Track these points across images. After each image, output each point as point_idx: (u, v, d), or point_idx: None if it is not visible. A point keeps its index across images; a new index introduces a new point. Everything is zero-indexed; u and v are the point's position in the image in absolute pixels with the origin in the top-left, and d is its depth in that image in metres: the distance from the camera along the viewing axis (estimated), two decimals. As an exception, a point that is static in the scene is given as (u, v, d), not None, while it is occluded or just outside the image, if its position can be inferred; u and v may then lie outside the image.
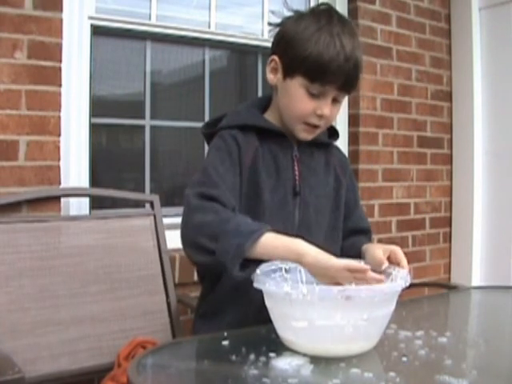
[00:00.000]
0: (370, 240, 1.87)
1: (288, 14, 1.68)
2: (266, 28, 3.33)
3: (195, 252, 1.47)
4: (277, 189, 1.64)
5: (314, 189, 1.71)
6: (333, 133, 1.83)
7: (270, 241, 1.42)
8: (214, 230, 1.44)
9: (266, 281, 1.29)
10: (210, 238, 1.44)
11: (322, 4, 1.70)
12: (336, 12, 1.64)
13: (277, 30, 1.67)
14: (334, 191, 1.78)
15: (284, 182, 1.66)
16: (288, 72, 1.60)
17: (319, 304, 1.22)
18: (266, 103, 1.77)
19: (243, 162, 1.61)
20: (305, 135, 1.66)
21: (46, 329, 2.19)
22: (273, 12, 1.72)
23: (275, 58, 1.64)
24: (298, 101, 1.60)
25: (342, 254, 1.72)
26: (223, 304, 1.62)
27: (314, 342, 1.26)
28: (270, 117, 1.72)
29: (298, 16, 1.64)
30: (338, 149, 1.90)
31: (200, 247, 1.45)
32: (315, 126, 1.63)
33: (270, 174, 1.64)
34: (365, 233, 1.85)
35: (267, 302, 1.32)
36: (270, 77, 1.67)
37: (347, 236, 1.82)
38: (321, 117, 1.61)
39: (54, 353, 2.18)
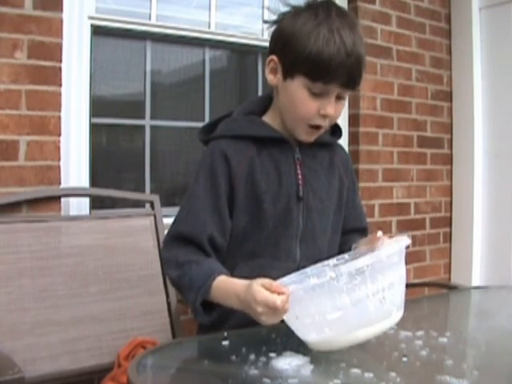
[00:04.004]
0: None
1: (284, 9, 1.61)
2: (266, 27, 3.33)
3: None
4: (279, 196, 1.60)
5: (317, 192, 1.66)
6: (336, 130, 1.76)
7: (219, 290, 1.44)
8: (177, 285, 1.56)
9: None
10: (178, 290, 1.62)
11: None
12: (334, 4, 1.57)
13: (274, 27, 1.61)
14: (337, 192, 1.73)
15: (287, 187, 1.61)
16: (288, 72, 1.54)
17: (346, 286, 1.21)
18: (266, 103, 1.71)
19: (235, 176, 1.57)
20: (307, 137, 1.61)
21: (46, 329, 2.20)
22: (268, 8, 1.67)
23: (274, 58, 1.57)
24: (300, 102, 1.53)
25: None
26: (226, 314, 1.60)
27: (353, 326, 1.24)
28: (271, 119, 1.67)
29: (295, 11, 1.57)
30: (341, 147, 1.85)
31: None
32: (319, 127, 1.58)
33: (270, 181, 1.60)
34: (360, 232, 1.81)
35: (292, 311, 1.26)
36: (270, 77, 1.60)
37: (342, 235, 1.78)
38: (325, 116, 1.55)
39: (53, 353, 2.18)
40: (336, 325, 1.24)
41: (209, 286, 1.44)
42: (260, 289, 1.27)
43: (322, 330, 1.25)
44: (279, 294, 1.23)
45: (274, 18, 1.62)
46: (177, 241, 1.56)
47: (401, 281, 1.29)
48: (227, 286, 1.43)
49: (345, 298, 1.22)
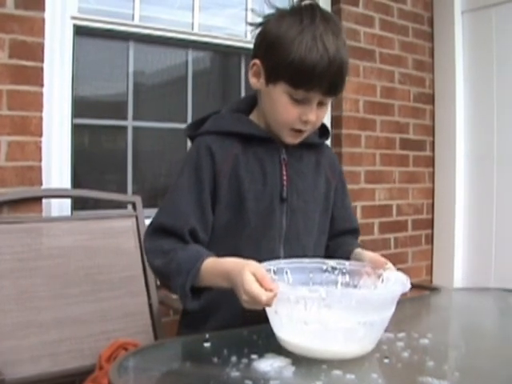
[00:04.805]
0: (357, 239, 1.85)
1: (269, 11, 1.59)
2: (249, 29, 3.33)
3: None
4: (263, 196, 1.59)
5: (302, 194, 1.65)
6: (324, 132, 1.76)
7: (208, 271, 1.43)
8: (163, 273, 1.53)
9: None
10: (163, 280, 1.58)
11: None
12: (319, 8, 1.55)
13: (258, 30, 1.60)
14: (323, 194, 1.73)
15: (271, 187, 1.60)
16: (270, 78, 1.53)
17: (336, 306, 1.22)
18: (252, 103, 1.70)
19: (220, 172, 1.57)
20: (291, 140, 1.60)
21: (27, 331, 2.18)
22: (253, 10, 1.66)
23: (257, 62, 1.56)
24: (281, 108, 1.53)
25: (327, 254, 1.71)
26: (208, 312, 1.60)
27: (326, 345, 1.25)
28: (256, 118, 1.67)
29: (280, 14, 1.55)
30: (329, 148, 1.85)
31: (163, 284, 1.61)
32: (301, 131, 1.58)
33: (254, 180, 1.59)
34: (351, 232, 1.83)
35: (273, 306, 1.27)
36: (253, 81, 1.60)
37: (334, 236, 1.79)
38: (306, 122, 1.55)
39: (34, 355, 2.17)
40: (310, 335, 1.25)
41: (198, 268, 1.43)
42: (250, 279, 1.27)
43: (296, 333, 1.26)
44: (267, 289, 1.24)
45: (258, 20, 1.61)
46: (159, 232, 1.55)
47: (385, 320, 1.30)
48: (216, 265, 1.42)
49: (328, 316, 1.22)
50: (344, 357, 1.25)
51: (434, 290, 2.35)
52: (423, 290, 2.35)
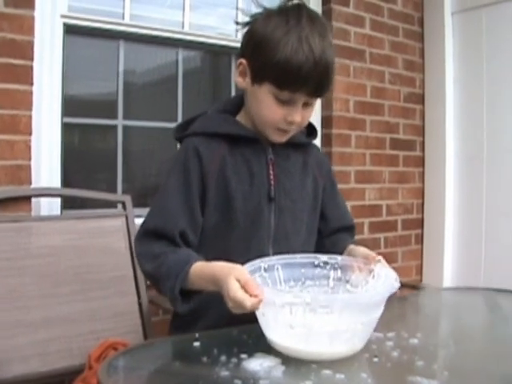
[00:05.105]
0: (353, 236, 1.85)
1: (257, 10, 1.60)
2: (238, 28, 3.32)
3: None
4: (250, 196, 1.60)
5: (289, 193, 1.66)
6: (311, 131, 1.77)
7: (197, 275, 1.43)
8: (153, 277, 1.54)
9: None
10: (154, 284, 1.57)
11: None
12: (305, 8, 1.55)
13: (245, 29, 1.61)
14: (311, 193, 1.73)
15: (258, 187, 1.61)
16: (256, 78, 1.54)
17: (320, 311, 1.22)
18: (238, 103, 1.71)
19: (207, 173, 1.57)
20: (277, 138, 1.61)
21: (16, 330, 2.17)
22: (240, 10, 1.66)
23: (243, 61, 1.57)
24: (266, 108, 1.54)
25: (323, 252, 1.71)
26: (197, 314, 1.60)
27: (312, 347, 1.25)
28: (243, 118, 1.67)
29: (267, 14, 1.56)
30: (316, 148, 1.86)
31: (155, 288, 1.59)
32: (287, 131, 1.59)
33: (242, 180, 1.60)
34: (347, 230, 1.83)
35: (261, 309, 1.27)
36: (239, 80, 1.60)
37: (329, 235, 1.79)
38: (291, 123, 1.55)
39: (23, 354, 2.16)
40: (296, 338, 1.25)
41: (186, 271, 1.43)
42: (234, 285, 1.26)
43: (282, 336, 1.26)
44: (252, 295, 1.23)
45: (246, 19, 1.61)
46: (149, 236, 1.55)
47: (372, 322, 1.30)
48: (204, 270, 1.42)
49: (313, 320, 1.23)
50: (331, 357, 1.24)
51: (423, 289, 2.36)
52: (413, 289, 2.36)
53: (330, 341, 1.24)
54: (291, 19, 1.50)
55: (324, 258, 1.50)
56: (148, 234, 1.56)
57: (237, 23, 1.65)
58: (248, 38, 1.58)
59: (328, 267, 1.49)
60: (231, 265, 1.35)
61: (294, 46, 1.45)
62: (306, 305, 1.22)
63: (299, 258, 1.49)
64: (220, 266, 1.38)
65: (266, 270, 1.41)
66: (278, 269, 1.45)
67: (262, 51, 1.49)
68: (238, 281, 1.27)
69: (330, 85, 1.54)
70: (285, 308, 1.24)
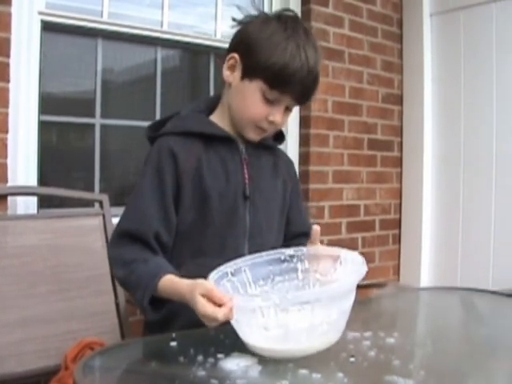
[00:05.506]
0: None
1: (253, 12, 1.66)
2: (219, 28, 3.33)
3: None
4: (226, 194, 1.62)
5: (263, 192, 1.70)
6: (279, 136, 1.82)
7: (166, 290, 1.45)
8: (124, 283, 1.57)
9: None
10: (125, 289, 1.64)
11: (288, 9, 1.71)
12: (301, 21, 1.65)
13: (239, 27, 1.66)
14: (281, 194, 1.78)
15: (234, 185, 1.64)
16: (247, 74, 1.59)
17: (291, 309, 1.23)
18: (213, 104, 1.75)
19: (183, 173, 1.59)
20: (253, 136, 1.66)
21: (-9, 330, 2.15)
22: (239, 7, 1.70)
23: (236, 56, 1.62)
24: (251, 104, 1.59)
25: None
26: (175, 311, 1.59)
27: (291, 345, 1.25)
28: (218, 118, 1.71)
29: (264, 19, 1.63)
30: (283, 152, 1.91)
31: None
32: (265, 130, 1.64)
33: (218, 178, 1.62)
34: (306, 236, 1.81)
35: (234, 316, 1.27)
36: (227, 73, 1.64)
37: (291, 238, 1.82)
38: (271, 123, 1.61)
39: (0, 355, 2.15)
40: (273, 339, 1.25)
41: (155, 284, 1.44)
42: (200, 301, 1.27)
43: (260, 340, 1.26)
44: (221, 305, 1.24)
45: (241, 17, 1.67)
46: (123, 238, 1.56)
47: (346, 311, 1.31)
48: (171, 286, 1.44)
49: (287, 319, 1.24)
50: (311, 352, 1.25)
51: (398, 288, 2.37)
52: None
53: (308, 336, 1.25)
54: (289, 28, 1.58)
55: (289, 251, 1.52)
56: (122, 236, 1.57)
57: (234, 19, 1.69)
58: (244, 36, 1.63)
59: (295, 260, 1.51)
60: (194, 281, 1.35)
61: (293, 51, 1.54)
62: (275, 306, 1.22)
63: (265, 255, 1.50)
64: (185, 285, 1.38)
65: (233, 274, 1.42)
66: (245, 271, 1.45)
67: (260, 51, 1.56)
68: (204, 295, 1.28)
69: (314, 95, 1.64)
70: (256, 312, 1.24)
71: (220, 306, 1.24)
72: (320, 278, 1.47)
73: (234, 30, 1.68)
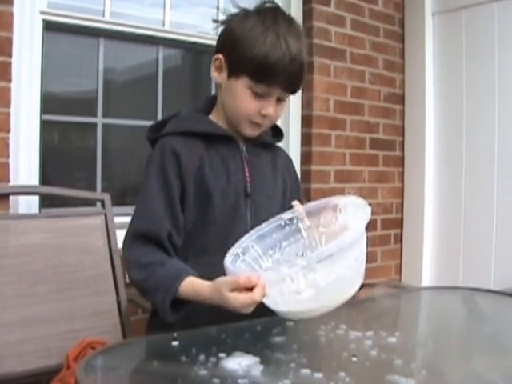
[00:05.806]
0: None
1: (234, 10, 1.68)
2: (221, 28, 3.32)
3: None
4: (228, 193, 1.64)
5: (263, 190, 1.71)
6: (277, 133, 1.83)
7: (188, 294, 1.45)
8: (141, 287, 1.55)
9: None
10: (141, 293, 1.58)
11: (268, 1, 1.69)
12: (281, 11, 1.65)
13: (222, 27, 1.68)
14: (281, 192, 1.78)
15: (235, 184, 1.65)
16: (233, 72, 1.61)
17: (318, 267, 1.24)
18: (211, 103, 1.77)
19: (186, 172, 1.60)
20: (250, 132, 1.67)
21: (-8, 330, 2.15)
22: (219, 9, 1.72)
23: (220, 56, 1.64)
24: (242, 101, 1.61)
25: None
26: (194, 312, 1.59)
27: (324, 301, 1.29)
28: (216, 117, 1.72)
29: (244, 14, 1.64)
30: (283, 150, 1.91)
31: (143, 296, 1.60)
32: (260, 125, 1.65)
33: (219, 177, 1.63)
34: None
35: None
36: (215, 75, 1.68)
37: None
38: (265, 116, 1.62)
39: (0, 355, 2.14)
40: (308, 300, 1.27)
41: (176, 287, 1.45)
42: (232, 296, 1.28)
43: (295, 305, 1.28)
44: (252, 287, 1.25)
45: (222, 18, 1.69)
46: (136, 239, 1.56)
47: (363, 254, 1.34)
48: (193, 288, 1.44)
49: (315, 278, 1.25)
50: (344, 300, 1.31)
51: (401, 288, 2.37)
52: (392, 288, 2.37)
53: (337, 288, 1.28)
54: (268, 19, 1.59)
55: (287, 215, 1.54)
56: (135, 237, 1.57)
57: (215, 21, 1.72)
58: (226, 35, 1.66)
59: (295, 221, 1.54)
60: (215, 283, 1.36)
61: (273, 42, 1.55)
62: (303, 268, 1.23)
63: (265, 226, 1.51)
64: (208, 288, 1.39)
65: (243, 253, 1.44)
66: (252, 246, 1.47)
67: (241, 47, 1.57)
68: (232, 290, 1.28)
69: (302, 83, 1.65)
70: (286, 280, 1.25)
71: (251, 289, 1.25)
72: (324, 231, 1.49)
73: (217, 32, 1.70)
